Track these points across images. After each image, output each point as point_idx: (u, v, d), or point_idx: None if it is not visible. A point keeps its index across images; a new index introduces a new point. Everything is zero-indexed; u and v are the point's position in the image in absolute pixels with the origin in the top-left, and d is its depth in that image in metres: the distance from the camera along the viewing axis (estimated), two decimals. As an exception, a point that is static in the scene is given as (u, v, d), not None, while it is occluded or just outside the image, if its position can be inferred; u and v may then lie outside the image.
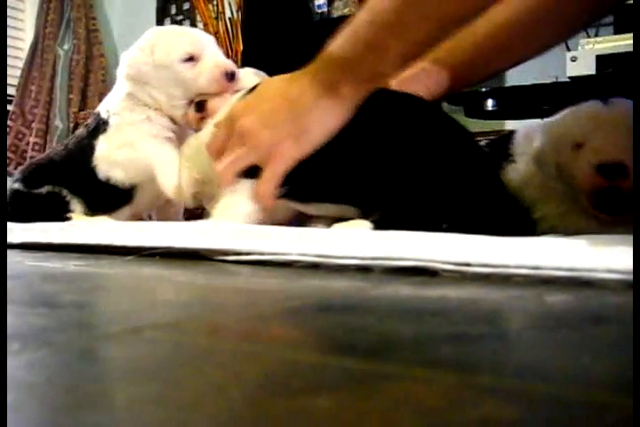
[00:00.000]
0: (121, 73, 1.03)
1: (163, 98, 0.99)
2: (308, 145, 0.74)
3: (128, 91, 1.01)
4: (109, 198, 1.03)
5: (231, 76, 0.97)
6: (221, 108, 0.95)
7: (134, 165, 0.99)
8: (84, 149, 1.03)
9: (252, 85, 0.92)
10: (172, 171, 0.97)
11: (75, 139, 1.08)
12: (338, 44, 0.72)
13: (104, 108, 1.04)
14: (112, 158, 1.00)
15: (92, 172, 1.02)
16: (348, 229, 0.73)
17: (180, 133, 1.03)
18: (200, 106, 0.97)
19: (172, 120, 1.02)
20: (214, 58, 0.99)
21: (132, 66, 1.00)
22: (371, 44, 0.69)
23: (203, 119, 0.97)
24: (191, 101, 0.99)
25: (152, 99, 1.00)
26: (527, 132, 0.86)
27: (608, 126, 0.73)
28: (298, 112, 0.73)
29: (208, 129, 0.95)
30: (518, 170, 0.82)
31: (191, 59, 0.97)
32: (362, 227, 0.73)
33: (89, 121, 1.08)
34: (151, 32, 1.05)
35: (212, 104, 0.97)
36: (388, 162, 0.75)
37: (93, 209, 1.05)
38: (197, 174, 0.94)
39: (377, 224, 0.72)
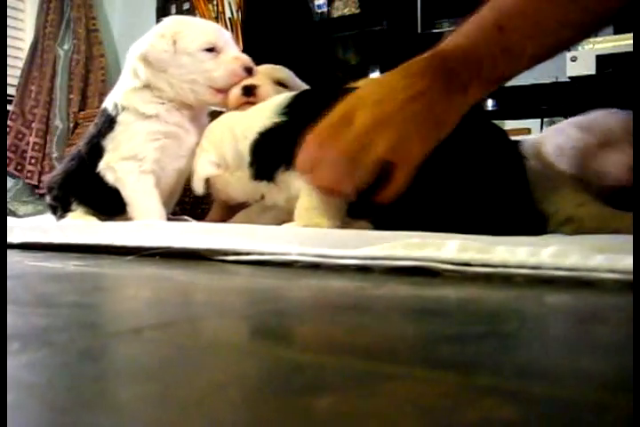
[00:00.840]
0: (135, 61, 1.00)
1: (185, 85, 0.98)
2: (434, 142, 0.70)
3: (144, 80, 0.99)
4: (115, 203, 1.02)
5: (249, 71, 0.98)
6: (271, 95, 0.94)
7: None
8: (93, 151, 1.02)
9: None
10: (143, 210, 0.96)
11: (86, 139, 1.07)
12: (464, 43, 0.70)
13: (112, 102, 1.02)
14: (116, 169, 0.99)
15: (97, 176, 1.01)
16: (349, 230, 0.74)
17: (191, 124, 1.02)
18: (248, 90, 0.97)
19: (184, 110, 1.00)
20: (234, 51, 1.00)
21: (152, 52, 0.98)
22: (506, 47, 0.68)
23: (249, 104, 0.96)
24: (217, 89, 0.99)
25: (170, 87, 0.98)
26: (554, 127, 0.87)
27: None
28: (425, 107, 0.69)
29: (233, 113, 0.94)
30: (534, 162, 0.83)
31: (212, 49, 0.98)
32: (365, 227, 0.73)
33: (96, 120, 1.06)
34: (172, 20, 1.04)
35: (263, 90, 0.96)
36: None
37: (99, 212, 1.04)
38: (216, 158, 0.92)
39: (376, 224, 0.72)
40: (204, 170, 0.92)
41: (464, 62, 0.70)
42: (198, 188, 0.94)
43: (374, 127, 0.69)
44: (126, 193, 0.99)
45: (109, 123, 1.01)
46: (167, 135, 1.00)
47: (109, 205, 1.03)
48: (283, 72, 1.05)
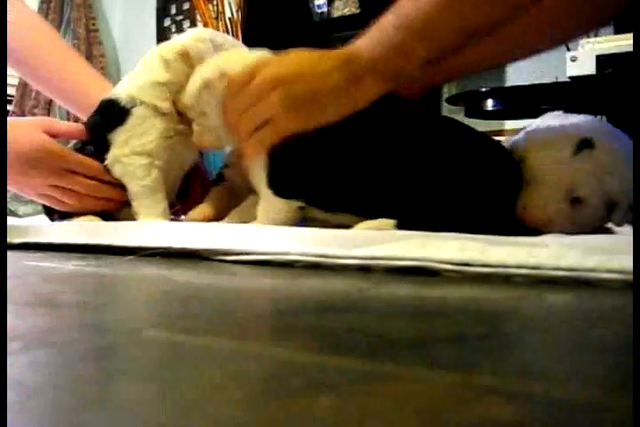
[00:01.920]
0: (171, 54, 0.97)
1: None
2: (311, 123, 0.76)
3: (171, 75, 0.96)
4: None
5: None
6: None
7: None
8: (99, 144, 1.00)
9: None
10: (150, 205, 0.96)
11: (88, 129, 1.05)
12: (365, 43, 0.77)
13: (126, 95, 0.97)
14: (125, 163, 0.98)
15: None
16: (369, 228, 0.74)
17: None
18: None
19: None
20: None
21: (194, 47, 0.96)
22: (397, 48, 0.74)
23: None
24: None
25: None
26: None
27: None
28: (318, 88, 0.75)
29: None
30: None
31: None
32: (387, 226, 0.74)
33: (99, 110, 1.04)
34: (203, 29, 1.05)
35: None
36: (411, 167, 0.76)
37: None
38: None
39: (401, 224, 0.73)
40: (192, 91, 0.91)
41: (360, 59, 0.76)
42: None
43: (265, 87, 0.76)
44: (133, 187, 0.97)
45: (121, 115, 0.99)
46: (178, 133, 0.99)
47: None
48: None
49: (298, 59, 0.81)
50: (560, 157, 0.74)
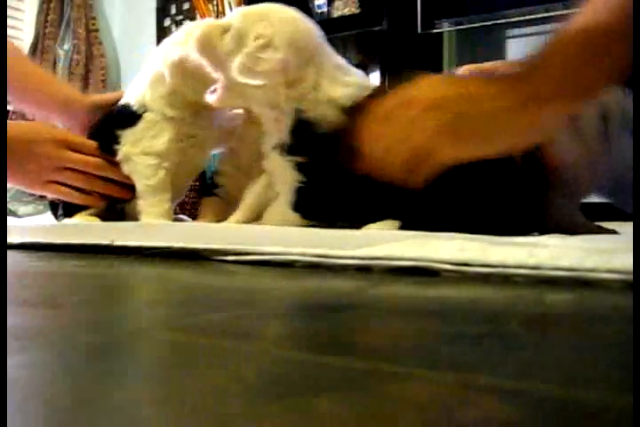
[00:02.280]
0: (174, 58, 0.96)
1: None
2: (474, 152, 0.68)
3: (170, 84, 0.96)
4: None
5: None
6: None
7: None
8: (107, 138, 1.00)
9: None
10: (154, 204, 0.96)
11: (97, 124, 1.05)
12: (548, 57, 0.66)
13: (136, 99, 0.99)
14: (135, 161, 0.98)
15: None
16: (375, 229, 0.74)
17: (214, 128, 1.02)
18: None
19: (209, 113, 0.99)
20: None
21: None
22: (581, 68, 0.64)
23: None
24: None
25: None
26: None
27: None
28: (479, 113, 0.66)
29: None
30: None
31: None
32: (391, 227, 0.74)
33: (113, 108, 1.04)
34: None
35: None
36: None
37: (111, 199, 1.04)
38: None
39: (405, 225, 0.73)
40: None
41: (532, 80, 0.66)
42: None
43: (425, 109, 0.67)
44: (140, 186, 0.98)
45: (133, 118, 0.99)
46: (190, 137, 1.00)
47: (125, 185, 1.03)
48: None
49: (449, 81, 0.71)
50: None
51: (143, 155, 0.97)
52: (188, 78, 0.96)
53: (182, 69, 0.96)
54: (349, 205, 0.80)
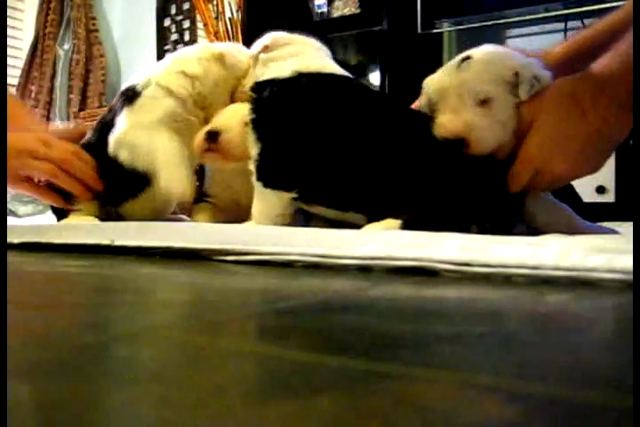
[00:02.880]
0: (209, 54, 0.98)
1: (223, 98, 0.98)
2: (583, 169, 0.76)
3: (201, 72, 0.97)
4: (122, 189, 1.00)
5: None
6: (236, 146, 0.90)
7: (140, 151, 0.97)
8: (104, 131, 1.00)
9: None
10: (175, 169, 0.95)
11: (96, 124, 1.05)
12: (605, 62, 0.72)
13: (147, 79, 0.98)
14: (123, 138, 0.97)
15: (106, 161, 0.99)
16: (375, 229, 0.75)
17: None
18: (212, 136, 0.91)
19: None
20: None
21: (231, 57, 0.97)
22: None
23: (210, 151, 0.91)
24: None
25: (209, 92, 0.98)
26: None
27: None
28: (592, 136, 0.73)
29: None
30: None
31: None
32: (392, 226, 0.75)
33: (113, 102, 1.04)
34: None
35: (225, 137, 0.91)
36: (415, 167, 0.79)
37: (104, 201, 1.04)
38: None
39: (407, 224, 0.74)
40: (199, 147, 0.91)
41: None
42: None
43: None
44: (147, 158, 0.96)
45: (132, 98, 0.99)
46: (185, 121, 0.99)
47: (116, 191, 1.01)
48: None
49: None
50: (447, 72, 0.83)
51: (138, 130, 0.96)
52: (222, 71, 0.97)
53: (222, 62, 0.97)
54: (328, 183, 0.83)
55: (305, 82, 0.86)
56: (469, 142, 0.77)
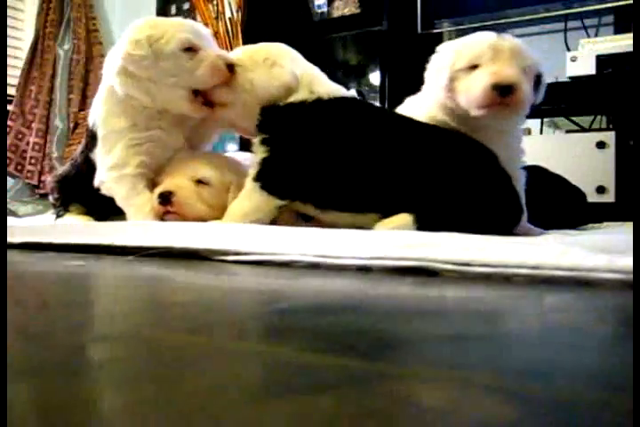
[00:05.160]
0: (113, 76, 0.96)
1: (163, 91, 0.96)
2: None
3: (119, 94, 0.97)
4: (109, 207, 1.03)
5: (230, 68, 0.95)
6: (192, 202, 0.91)
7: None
8: (86, 162, 1.05)
9: None
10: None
11: (79, 150, 1.11)
12: None
13: (92, 120, 1.03)
14: (104, 181, 1.00)
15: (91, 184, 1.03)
16: (389, 227, 0.77)
17: (174, 127, 1.01)
18: (165, 198, 0.92)
19: (166, 114, 0.99)
20: (214, 48, 0.99)
21: (131, 61, 0.94)
22: None
23: (168, 213, 0.92)
24: (193, 91, 0.95)
25: (149, 96, 0.96)
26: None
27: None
28: None
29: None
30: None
31: (190, 49, 0.95)
32: (405, 221, 0.76)
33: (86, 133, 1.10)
34: (143, 23, 0.98)
35: (179, 197, 0.92)
36: (426, 168, 0.81)
37: (95, 215, 1.08)
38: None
39: (420, 220, 0.75)
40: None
41: None
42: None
43: None
44: (118, 200, 1.00)
45: (92, 138, 1.04)
46: (149, 139, 1.00)
47: (103, 208, 1.06)
48: (205, 170, 0.96)
49: None
50: (494, 36, 0.89)
51: (107, 172, 1.00)
52: (138, 82, 0.95)
53: (130, 74, 0.95)
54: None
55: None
56: (516, 91, 0.81)
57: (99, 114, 1.01)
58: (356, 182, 0.83)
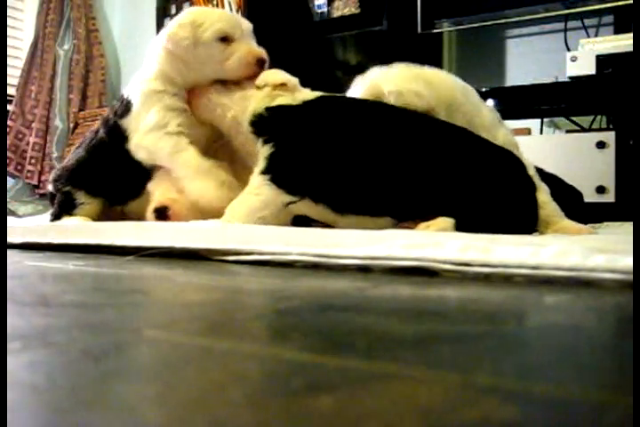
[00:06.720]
0: (157, 49, 1.02)
1: (192, 75, 1.00)
2: None
3: (160, 67, 1.01)
4: (128, 187, 1.04)
5: (261, 64, 0.97)
6: (186, 215, 0.90)
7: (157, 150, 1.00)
8: (113, 132, 1.04)
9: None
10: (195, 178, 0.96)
11: (101, 123, 1.09)
12: None
13: (131, 90, 1.04)
14: (144, 145, 1.00)
15: (121, 153, 1.02)
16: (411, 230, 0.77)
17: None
18: (161, 213, 0.92)
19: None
20: (248, 43, 1.00)
21: (173, 41, 0.99)
22: None
23: None
24: (216, 81, 0.99)
25: (180, 76, 1.00)
26: None
27: None
28: None
29: None
30: None
31: (226, 39, 0.98)
32: (445, 225, 0.76)
33: (113, 105, 1.10)
34: (192, 10, 1.05)
35: (174, 210, 0.92)
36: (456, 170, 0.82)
37: (110, 200, 1.07)
38: None
39: (459, 223, 0.76)
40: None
41: None
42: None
43: None
44: (163, 158, 0.99)
45: (127, 106, 1.03)
46: (182, 111, 1.01)
47: (122, 190, 1.05)
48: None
49: None
50: None
51: (147, 134, 1.00)
52: (176, 61, 1.00)
53: (170, 52, 1.00)
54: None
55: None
56: None
57: (140, 86, 1.02)
58: (373, 183, 0.83)
